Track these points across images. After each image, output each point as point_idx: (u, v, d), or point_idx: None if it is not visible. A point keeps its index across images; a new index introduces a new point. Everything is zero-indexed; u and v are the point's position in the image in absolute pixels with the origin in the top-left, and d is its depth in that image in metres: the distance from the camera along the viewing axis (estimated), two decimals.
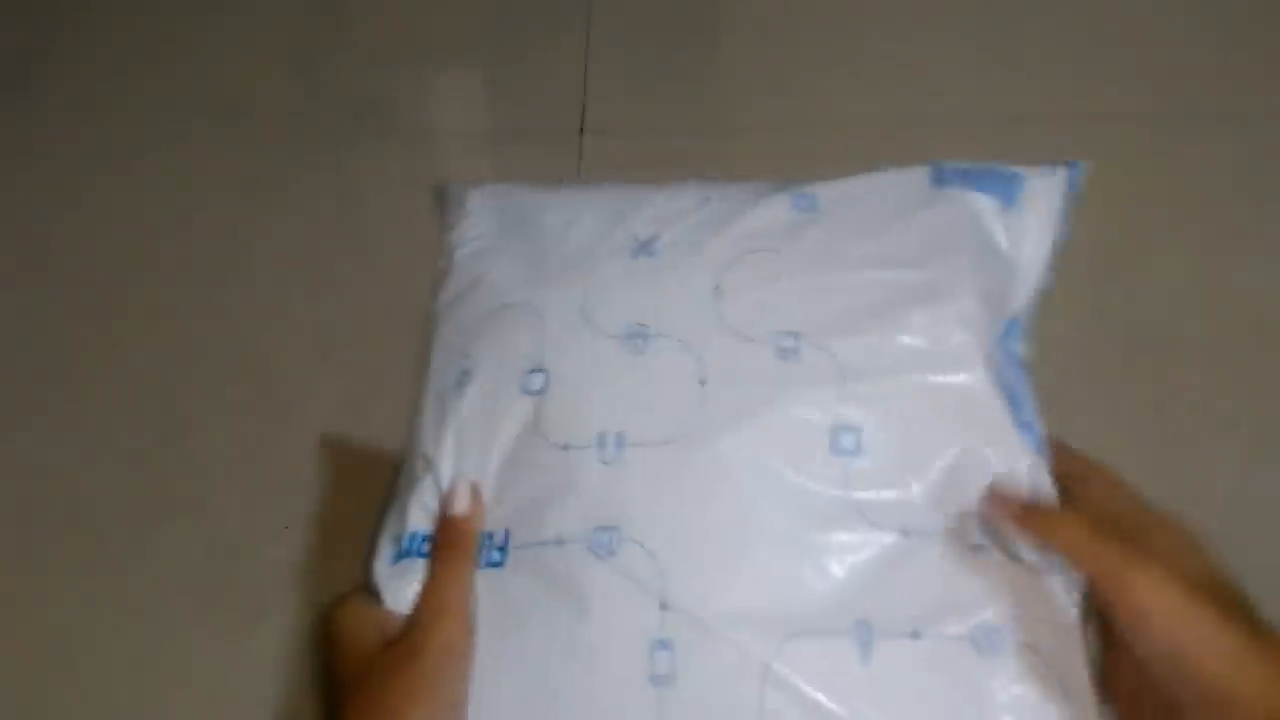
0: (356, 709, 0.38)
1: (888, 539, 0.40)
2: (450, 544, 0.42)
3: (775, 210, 0.47)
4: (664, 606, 0.39)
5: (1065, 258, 0.55)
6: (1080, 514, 0.39)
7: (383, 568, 0.44)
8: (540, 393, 0.44)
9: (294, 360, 0.62)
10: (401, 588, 0.42)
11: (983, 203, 0.47)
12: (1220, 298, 0.60)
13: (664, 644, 0.38)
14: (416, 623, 0.41)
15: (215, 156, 0.71)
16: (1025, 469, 0.42)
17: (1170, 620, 0.34)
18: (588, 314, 0.45)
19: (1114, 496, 0.42)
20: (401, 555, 0.44)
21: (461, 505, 0.43)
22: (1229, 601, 0.36)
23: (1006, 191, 0.47)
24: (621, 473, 0.41)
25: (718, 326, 0.44)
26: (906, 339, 0.43)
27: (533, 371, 0.45)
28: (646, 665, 0.38)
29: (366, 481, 0.55)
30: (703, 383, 0.43)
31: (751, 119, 0.71)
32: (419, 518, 0.44)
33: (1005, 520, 0.39)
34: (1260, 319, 0.60)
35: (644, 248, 0.47)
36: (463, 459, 0.44)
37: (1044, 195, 0.48)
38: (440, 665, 0.39)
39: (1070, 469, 0.43)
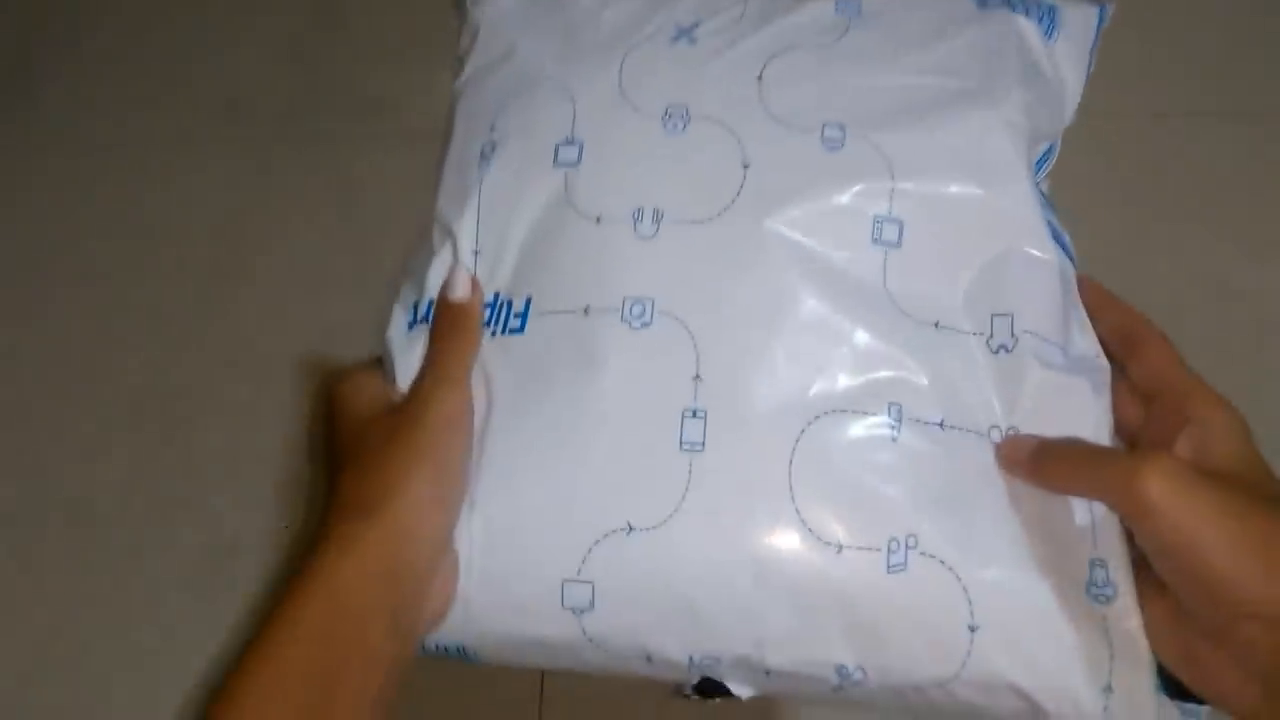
0: (354, 471, 0.38)
1: (920, 330, 0.41)
2: (450, 323, 0.42)
3: (819, 10, 0.47)
4: (697, 377, 0.39)
5: None
6: (1069, 443, 0.39)
7: (397, 335, 0.44)
8: (573, 165, 0.43)
9: (294, 360, 0.62)
10: (414, 356, 0.42)
11: (1027, 26, 0.47)
12: (1220, 297, 0.60)
13: (696, 413, 0.39)
14: (416, 392, 0.40)
15: (215, 156, 0.71)
16: (1059, 275, 0.42)
17: (1175, 511, 0.33)
18: (625, 91, 0.45)
19: (1163, 365, 0.41)
20: (418, 321, 0.43)
21: (461, 292, 0.42)
22: (1254, 488, 0.35)
23: (1046, 20, 0.48)
24: (658, 247, 0.41)
25: (761, 113, 0.43)
26: (953, 140, 0.43)
27: (565, 144, 0.44)
28: (677, 431, 0.38)
29: None
30: (745, 166, 0.42)
31: None
32: (437, 286, 0.44)
33: (1015, 473, 0.39)
34: (1261, 318, 0.60)
35: (684, 34, 0.46)
36: (484, 228, 0.44)
37: (1079, 28, 0.48)
38: (440, 432, 0.38)
39: (1122, 326, 0.43)
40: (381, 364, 0.44)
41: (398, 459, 0.37)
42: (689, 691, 0.41)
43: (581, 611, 0.38)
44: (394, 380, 0.42)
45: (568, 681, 0.57)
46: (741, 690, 0.40)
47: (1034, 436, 0.39)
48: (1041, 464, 0.38)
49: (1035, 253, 0.42)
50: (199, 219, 0.68)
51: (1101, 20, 0.50)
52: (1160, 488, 0.33)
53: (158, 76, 0.75)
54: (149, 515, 0.58)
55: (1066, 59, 0.48)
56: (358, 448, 0.39)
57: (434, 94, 0.70)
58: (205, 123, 0.72)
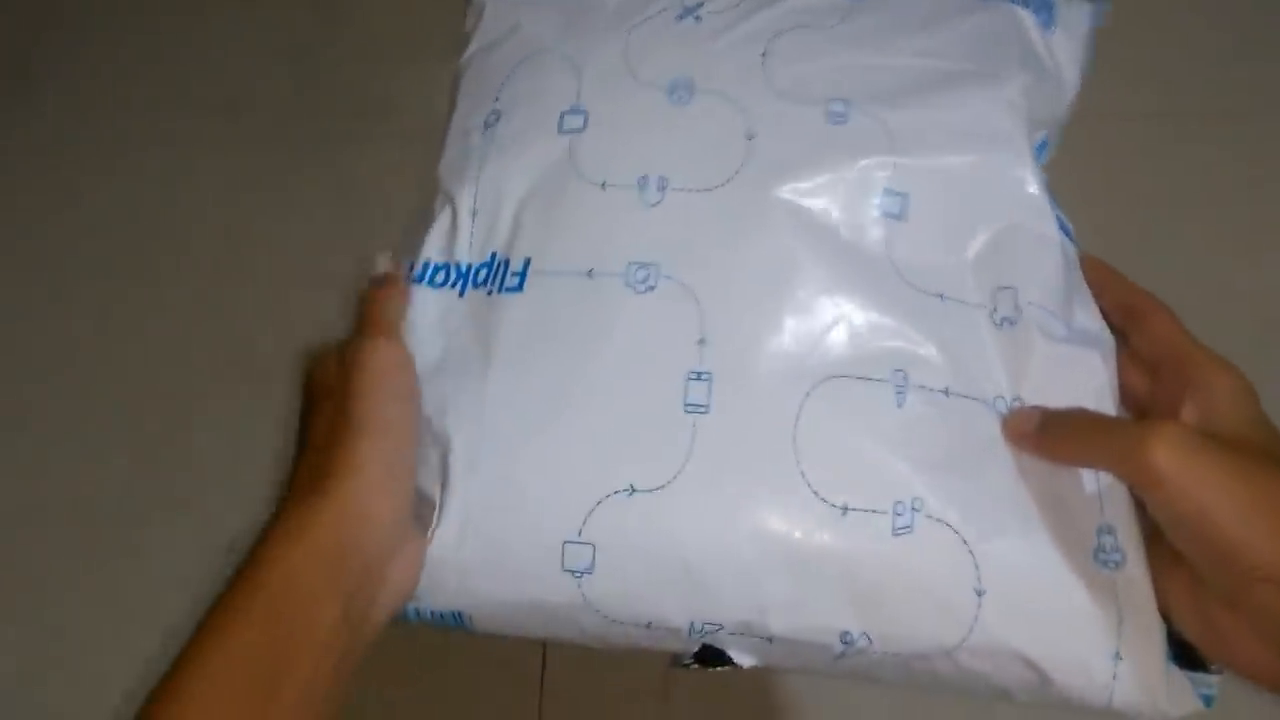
0: (311, 448, 0.38)
1: (925, 301, 0.41)
2: (373, 285, 0.43)
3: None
4: (702, 341, 0.39)
5: None
6: (1075, 414, 0.39)
7: None
8: (578, 132, 0.44)
9: (293, 360, 0.62)
10: (411, 318, 0.43)
11: (1025, 16, 0.48)
12: (1222, 297, 0.60)
13: (701, 375, 0.39)
14: (345, 358, 0.39)
15: (215, 156, 0.71)
16: (1061, 250, 0.43)
17: (1184, 478, 0.32)
18: (630, 64, 0.45)
19: (1166, 334, 0.41)
20: (412, 282, 0.44)
21: (381, 268, 0.43)
22: (1263, 451, 0.35)
23: (1044, 13, 0.48)
24: (663, 214, 0.41)
25: (766, 88, 0.44)
26: (956, 117, 0.43)
27: (570, 112, 0.44)
28: (681, 393, 0.38)
29: None
30: (750, 137, 0.43)
31: None
32: (434, 248, 0.44)
33: (1023, 446, 0.39)
34: (1263, 318, 0.60)
35: (689, 12, 0.46)
36: (484, 189, 0.44)
37: (1075, 23, 0.49)
38: (375, 394, 0.37)
39: (1125, 300, 0.43)
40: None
41: (345, 435, 0.36)
42: (689, 660, 0.41)
43: (581, 574, 0.38)
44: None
45: (568, 680, 0.57)
46: (742, 659, 0.40)
47: (1039, 408, 0.39)
48: (1048, 436, 0.38)
49: (1037, 228, 0.42)
50: (198, 219, 0.68)
51: (1097, 17, 0.50)
52: (1167, 455, 0.33)
53: (157, 76, 0.75)
54: (149, 515, 0.58)
55: (1063, 51, 0.48)
56: (317, 424, 0.38)
57: (434, 94, 0.70)
58: (205, 123, 0.72)
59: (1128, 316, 0.43)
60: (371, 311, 0.41)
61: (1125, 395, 0.42)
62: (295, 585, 0.34)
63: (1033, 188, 0.43)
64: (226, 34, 0.77)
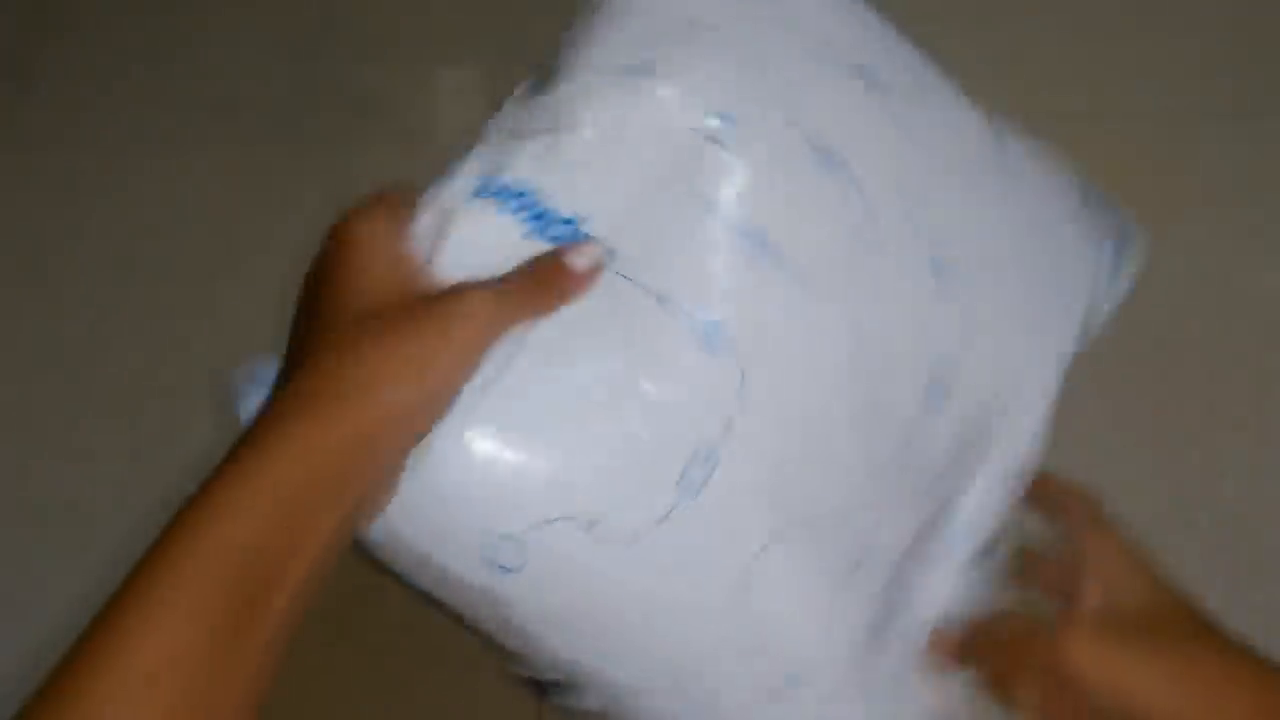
0: (340, 347, 0.33)
1: (913, 497, 0.42)
2: (548, 284, 0.36)
3: (981, 135, 0.47)
4: (729, 427, 0.38)
5: None
6: (993, 626, 0.40)
7: (460, 193, 0.38)
8: (712, 141, 0.40)
9: None
10: (472, 231, 0.37)
11: (1106, 259, 0.49)
12: (1224, 297, 0.60)
13: (708, 458, 0.38)
14: (463, 302, 0.33)
15: (211, 155, 0.71)
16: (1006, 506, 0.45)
17: (1105, 670, 0.35)
18: (790, 98, 0.42)
19: (1079, 523, 0.42)
20: (491, 194, 0.38)
21: (584, 263, 0.36)
22: (1169, 620, 0.37)
23: (1118, 258, 0.49)
24: (755, 276, 0.39)
25: (897, 196, 0.43)
26: (1018, 347, 0.45)
27: (718, 116, 0.40)
28: (684, 464, 0.37)
29: None
30: (860, 238, 0.42)
31: None
32: (525, 166, 0.38)
33: (945, 655, 0.41)
34: (1266, 318, 0.60)
35: (861, 72, 0.44)
36: (596, 136, 0.39)
37: (1128, 274, 0.50)
38: (458, 364, 0.33)
39: (1057, 501, 0.45)
40: (402, 199, 0.38)
41: (395, 360, 0.32)
42: (541, 683, 0.41)
43: (505, 571, 0.36)
44: (438, 243, 0.37)
45: None
46: (583, 709, 0.41)
47: (959, 625, 0.41)
48: (966, 650, 0.40)
49: (1010, 485, 0.44)
50: (195, 217, 0.68)
51: (1139, 269, 0.51)
52: (1080, 654, 0.35)
53: (153, 75, 0.75)
54: (148, 515, 0.58)
55: (1109, 303, 0.49)
56: (357, 318, 0.33)
57: (433, 94, 0.70)
58: (201, 121, 0.72)
59: (1057, 510, 0.45)
60: (520, 309, 0.35)
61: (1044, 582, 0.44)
62: (291, 514, 0.30)
63: (1029, 448, 0.44)
64: (224, 33, 0.76)
